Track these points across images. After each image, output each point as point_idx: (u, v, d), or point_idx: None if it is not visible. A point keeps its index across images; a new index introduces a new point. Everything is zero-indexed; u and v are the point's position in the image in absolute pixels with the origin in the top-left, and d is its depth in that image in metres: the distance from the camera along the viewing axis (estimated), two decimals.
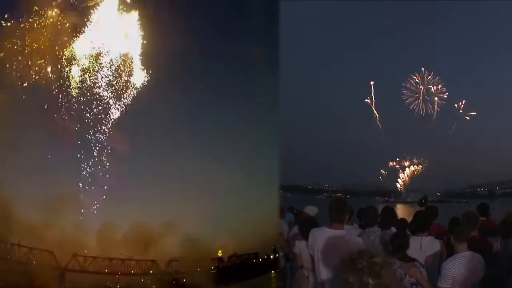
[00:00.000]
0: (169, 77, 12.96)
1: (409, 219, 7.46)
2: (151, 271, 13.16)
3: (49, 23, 11.97)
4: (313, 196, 52.03)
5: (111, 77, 12.84)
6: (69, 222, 11.81)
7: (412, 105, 57.96)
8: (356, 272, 2.89)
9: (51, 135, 12.39)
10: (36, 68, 11.96)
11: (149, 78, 13.09)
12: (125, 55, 13.00)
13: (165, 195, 13.33)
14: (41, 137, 12.06)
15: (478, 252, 5.64)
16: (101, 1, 12.63)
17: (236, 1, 14.20)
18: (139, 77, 13.10)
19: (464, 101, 54.11)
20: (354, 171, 55.17)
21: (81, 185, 12.62)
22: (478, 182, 56.64)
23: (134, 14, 12.98)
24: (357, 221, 8.18)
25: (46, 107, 12.30)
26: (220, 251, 13.80)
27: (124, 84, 12.98)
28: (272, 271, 12.76)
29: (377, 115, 54.69)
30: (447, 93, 56.11)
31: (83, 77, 12.61)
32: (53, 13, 12.03)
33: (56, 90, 12.39)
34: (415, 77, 56.88)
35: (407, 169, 57.41)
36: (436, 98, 56.31)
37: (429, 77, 56.76)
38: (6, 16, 11.49)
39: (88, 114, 12.77)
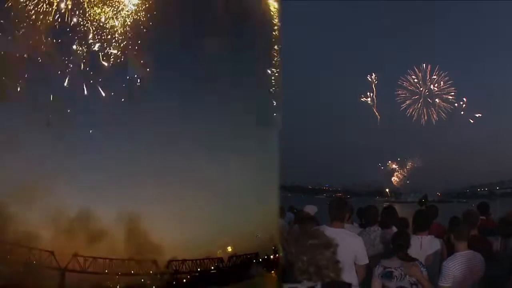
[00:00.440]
0: (166, 74, 12.93)
1: (409, 219, 7.48)
2: (151, 271, 13.16)
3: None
4: (313, 196, 52.03)
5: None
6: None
7: (411, 110, 49.30)
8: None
9: None
10: None
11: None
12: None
13: (164, 195, 13.32)
14: None
15: (478, 251, 5.66)
16: None
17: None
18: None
19: (465, 100, 49.97)
20: (354, 171, 55.07)
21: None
22: (478, 182, 56.50)
23: None
24: (357, 221, 8.20)
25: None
26: (220, 251, 13.80)
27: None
28: (272, 271, 12.75)
29: (378, 115, 54.49)
30: (452, 93, 48.30)
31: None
32: None
33: None
34: (413, 76, 49.50)
35: (407, 169, 57.29)
36: (437, 100, 48.74)
37: (433, 75, 48.15)
38: None
39: None
